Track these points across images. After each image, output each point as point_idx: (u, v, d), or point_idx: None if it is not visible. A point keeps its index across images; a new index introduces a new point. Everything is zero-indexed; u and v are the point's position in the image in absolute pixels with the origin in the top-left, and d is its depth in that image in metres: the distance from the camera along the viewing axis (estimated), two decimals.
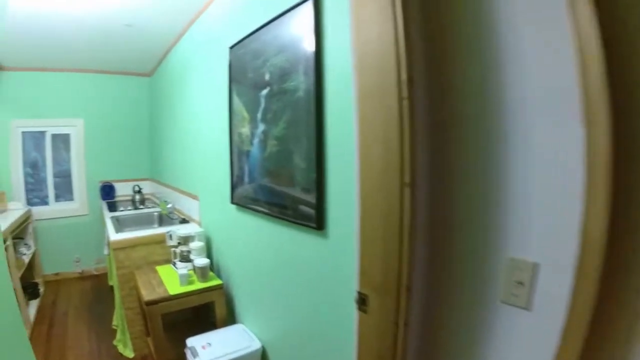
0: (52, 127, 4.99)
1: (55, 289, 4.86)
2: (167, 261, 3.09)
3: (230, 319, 2.80)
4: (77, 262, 5.23)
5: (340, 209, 1.48)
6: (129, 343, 3.16)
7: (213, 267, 2.91)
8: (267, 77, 1.91)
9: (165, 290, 2.59)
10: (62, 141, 5.13)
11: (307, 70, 1.58)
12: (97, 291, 4.74)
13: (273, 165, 1.91)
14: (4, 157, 4.78)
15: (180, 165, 3.81)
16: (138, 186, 4.90)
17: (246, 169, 2.20)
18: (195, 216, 3.36)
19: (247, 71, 2.14)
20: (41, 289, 4.68)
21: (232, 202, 2.45)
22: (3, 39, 3.74)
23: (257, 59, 2.00)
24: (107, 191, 5.20)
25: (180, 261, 2.90)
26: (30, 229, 4.66)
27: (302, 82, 1.62)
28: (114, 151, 5.31)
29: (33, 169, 5.05)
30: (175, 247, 2.96)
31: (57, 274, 5.16)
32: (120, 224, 3.69)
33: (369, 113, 1.10)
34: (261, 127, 1.97)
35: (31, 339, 3.54)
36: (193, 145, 3.33)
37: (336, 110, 1.47)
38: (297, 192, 1.71)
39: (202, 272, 2.67)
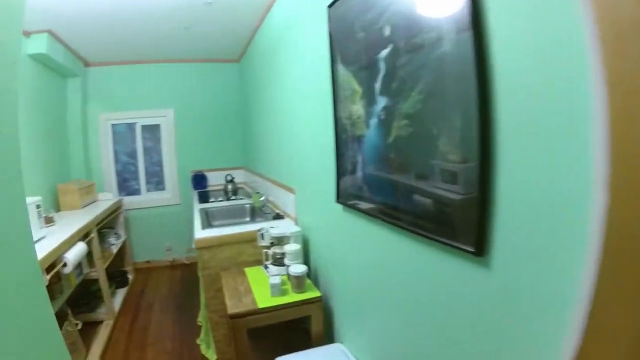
0: (141, 118, 5.07)
1: (144, 277, 4.91)
2: (258, 262, 2.72)
3: (328, 336, 2.37)
4: (168, 250, 5.27)
5: (523, 228, 0.90)
6: (212, 345, 2.90)
7: (310, 274, 2.47)
8: (386, 31, 1.38)
9: (253, 301, 2.20)
10: (152, 132, 5.18)
11: (456, 11, 1.02)
12: (186, 281, 4.67)
13: (401, 155, 1.37)
14: (95, 150, 4.92)
15: (273, 154, 3.42)
16: (230, 175, 4.63)
17: (359, 159, 1.69)
18: (291, 211, 2.95)
19: (355, 30, 1.63)
20: (130, 277, 4.74)
21: (338, 201, 1.96)
22: (87, 36, 3.82)
23: (369, 11, 1.49)
24: (199, 180, 5.03)
25: (273, 264, 2.50)
26: (121, 219, 4.72)
27: (448, 30, 1.06)
28: (206, 140, 5.22)
29: (124, 160, 5.17)
30: (268, 248, 2.57)
31: (148, 262, 5.27)
32: (209, 218, 3.40)
33: None
34: (381, 102, 1.46)
35: (113, 330, 3.54)
36: (287, 131, 2.91)
37: (515, 70, 0.89)
38: (441, 197, 1.16)
39: (297, 282, 2.24)
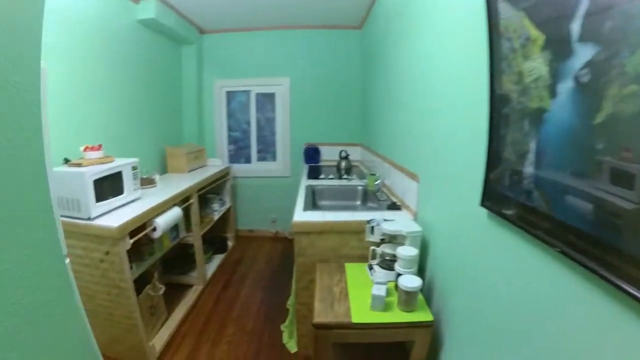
0: (256, 86, 4.87)
1: (244, 246, 4.81)
2: (363, 258, 2.25)
3: None
4: (273, 222, 5.12)
5: None
6: (295, 336, 2.62)
7: (423, 289, 1.90)
8: None
9: (348, 311, 1.75)
10: (266, 100, 4.97)
11: None
12: (285, 257, 4.42)
13: (619, 146, 0.77)
14: (209, 116, 4.93)
15: (396, 131, 2.85)
16: (345, 151, 4.17)
17: (530, 147, 1.09)
18: (411, 203, 2.39)
19: None
20: (230, 244, 4.67)
21: (483, 204, 1.37)
22: (200, 2, 3.78)
23: None
24: (311, 154, 4.67)
25: (380, 266, 2.02)
26: (227, 186, 4.61)
27: None
28: (322, 112, 4.82)
29: (236, 128, 5.10)
30: (377, 245, 2.08)
31: (250, 231, 5.21)
32: (315, 196, 3.01)
33: None
34: (583, 53, 0.85)
35: (200, 296, 3.45)
36: (417, 105, 2.30)
37: None
38: None
39: (407, 298, 1.72)
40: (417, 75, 2.30)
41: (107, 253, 2.28)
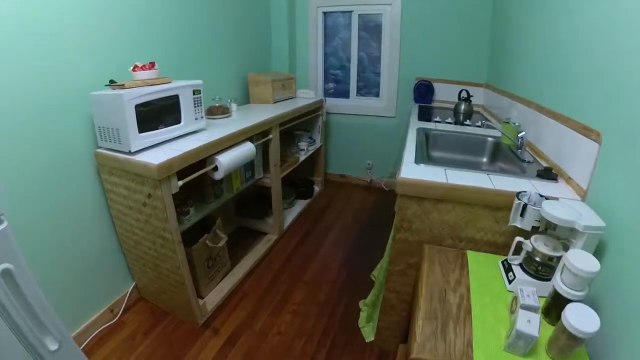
0: (360, 5, 3.93)
1: (333, 193, 4.25)
2: (494, 246, 1.55)
3: None
4: (369, 169, 4.43)
5: None
6: (375, 323, 2.11)
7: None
8: None
9: (467, 348, 1.06)
10: (371, 24, 4.04)
11: None
12: (378, 211, 3.79)
13: None
14: (302, 41, 4.19)
15: (552, 63, 1.93)
16: (466, 92, 3.30)
17: None
18: (575, 173, 1.55)
19: None
20: (317, 189, 4.17)
21: None
22: None
23: None
24: (423, 91, 3.80)
25: (525, 269, 1.31)
26: (319, 122, 3.95)
27: None
28: (438, 41, 3.77)
29: (334, 55, 4.32)
30: (525, 235, 1.33)
31: (342, 176, 4.61)
32: (429, 144, 2.30)
33: None
34: None
35: (272, 249, 3.05)
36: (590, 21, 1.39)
37: None
38: None
39: (569, 345, 0.99)
40: None
41: (149, 196, 1.81)
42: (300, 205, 3.70)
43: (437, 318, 1.17)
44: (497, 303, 1.22)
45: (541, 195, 1.34)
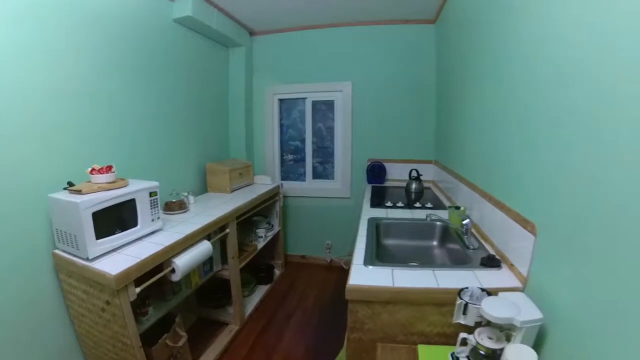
0: (313, 92, 4.21)
1: (294, 275, 4.23)
2: (444, 337, 1.59)
3: None
4: (328, 249, 4.48)
5: None
6: None
7: None
8: None
9: None
10: (325, 109, 4.31)
11: None
12: (339, 291, 3.78)
13: None
14: (258, 127, 4.38)
15: (488, 150, 2.12)
16: (416, 171, 3.48)
17: None
18: (519, 262, 1.65)
19: None
20: (277, 272, 4.15)
21: None
22: (251, 1, 3.33)
23: None
24: (376, 172, 3.97)
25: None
26: (277, 207, 4.01)
27: None
28: (389, 122, 4.08)
29: (290, 140, 4.50)
30: (469, 331, 1.39)
31: (303, 257, 4.63)
32: (380, 235, 2.38)
33: None
34: None
35: (234, 340, 2.98)
36: (537, 115, 1.51)
37: None
38: None
39: None
40: (521, 72, 1.58)
41: (108, 303, 1.79)
42: (261, 291, 3.65)
43: None
44: None
45: (483, 290, 1.42)
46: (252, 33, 4.16)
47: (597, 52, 1.09)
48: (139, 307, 2.02)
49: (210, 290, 3.15)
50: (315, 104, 4.30)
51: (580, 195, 1.17)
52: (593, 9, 1.12)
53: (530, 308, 1.29)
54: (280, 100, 4.34)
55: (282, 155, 4.49)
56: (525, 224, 1.58)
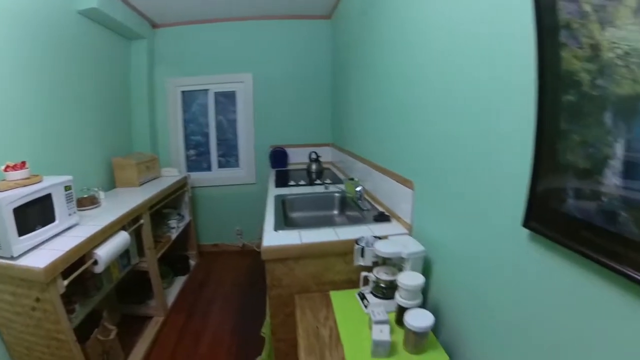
0: (215, 84, 4.36)
1: (209, 264, 4.36)
2: (351, 283, 1.89)
3: None
4: (239, 234, 4.67)
5: None
6: None
7: None
8: None
9: None
10: (227, 100, 4.47)
11: None
12: (255, 273, 4.05)
13: None
14: (162, 119, 4.37)
15: (377, 130, 2.50)
16: (315, 153, 3.81)
17: (616, 151, 0.73)
18: (403, 213, 2.04)
19: None
20: (193, 262, 4.23)
21: (527, 225, 1.00)
22: None
23: None
24: (278, 157, 4.26)
25: (374, 294, 1.66)
26: (186, 198, 4.12)
27: None
28: (288, 111, 4.40)
29: (194, 131, 4.57)
30: (368, 270, 1.71)
31: (215, 245, 4.75)
32: (286, 208, 2.65)
33: None
34: None
35: (161, 330, 3.03)
36: (410, 99, 1.91)
37: None
38: None
39: (417, 339, 1.37)
40: (416, 63, 1.92)
41: (38, 300, 1.83)
42: (179, 282, 3.75)
43: (315, 350, 1.46)
44: (360, 325, 1.56)
45: (375, 237, 1.75)
46: (154, 25, 4.16)
47: (433, 62, 1.50)
48: (65, 305, 2.01)
49: (130, 287, 3.19)
50: (217, 96, 4.44)
51: (438, 154, 1.56)
52: (434, 32, 1.53)
53: (414, 245, 1.65)
54: (183, 92, 4.39)
55: (186, 147, 4.56)
56: (405, 182, 1.95)
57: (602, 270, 0.79)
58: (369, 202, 2.49)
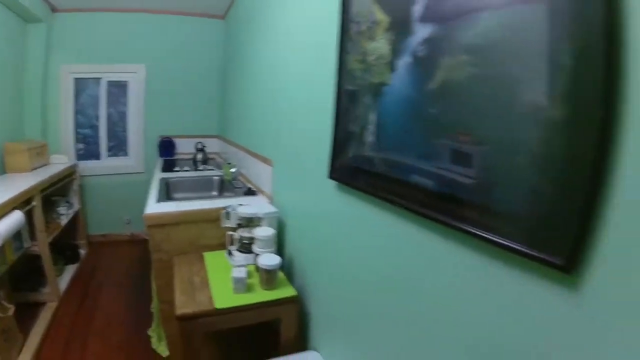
0: (108, 73, 4.39)
1: (99, 253, 4.34)
2: (223, 247, 2.21)
3: (301, 342, 1.92)
4: (128, 224, 4.71)
5: None
6: (164, 341, 2.45)
7: (284, 267, 1.98)
8: None
9: (210, 299, 1.71)
10: (119, 89, 4.51)
11: None
12: (145, 259, 4.03)
13: (449, 109, 0.88)
14: (53, 105, 4.24)
15: (251, 120, 2.92)
16: (201, 143, 4.08)
17: (372, 119, 1.19)
18: (266, 188, 2.45)
19: None
20: (82, 252, 4.17)
21: (332, 177, 1.46)
22: None
23: None
24: (166, 147, 4.45)
25: (239, 250, 2.01)
26: (74, 186, 4.10)
27: None
28: (178, 103, 4.60)
29: (85, 119, 4.51)
30: (234, 230, 2.07)
31: (104, 235, 4.70)
32: (169, 189, 2.89)
33: None
34: (421, 31, 0.96)
35: (56, 314, 3.04)
36: (271, 91, 2.39)
37: None
38: (519, 177, 0.71)
39: (268, 277, 1.77)
40: (274, 63, 2.35)
41: None
42: (70, 270, 3.74)
43: (188, 291, 1.78)
44: (226, 275, 1.87)
45: (241, 205, 2.12)
46: (54, 9, 4.04)
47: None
48: None
49: (21, 276, 3.18)
50: (108, 86, 4.45)
51: (286, 136, 2.02)
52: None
53: (269, 208, 2.05)
54: (76, 80, 4.33)
55: (76, 134, 4.47)
56: (266, 161, 2.38)
57: (374, 200, 1.23)
58: (242, 182, 2.87)
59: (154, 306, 2.64)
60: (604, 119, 0.57)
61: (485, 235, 0.77)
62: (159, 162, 4.10)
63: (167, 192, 2.75)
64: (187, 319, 1.63)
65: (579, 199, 0.60)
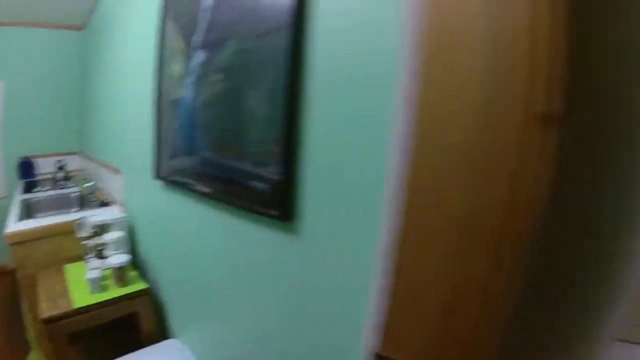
0: None
1: None
2: (83, 255, 2.33)
3: (161, 332, 2.11)
4: None
5: (327, 189, 0.86)
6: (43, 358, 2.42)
7: (138, 266, 2.20)
8: None
9: (69, 301, 1.87)
10: None
11: None
12: (15, 291, 3.86)
13: (212, 115, 1.20)
14: None
15: (102, 132, 3.07)
16: (61, 161, 4.03)
17: (175, 126, 1.47)
18: (119, 197, 2.61)
19: None
20: None
21: (158, 178, 1.71)
22: None
23: None
24: (26, 168, 4.29)
25: (95, 257, 2.17)
26: None
27: None
28: (39, 120, 4.38)
29: None
30: (90, 238, 2.21)
31: None
32: (30, 210, 2.92)
33: None
34: (200, 56, 1.25)
35: None
36: (114, 105, 2.60)
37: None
38: (248, 161, 1.05)
39: (119, 274, 1.97)
40: (115, 78, 2.54)
41: None
42: None
43: (50, 299, 1.89)
44: (85, 282, 2.03)
45: (92, 215, 2.27)
46: None
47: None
48: None
49: None
50: None
51: (128, 145, 2.23)
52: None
53: (118, 214, 2.24)
54: None
55: None
56: (116, 171, 2.55)
57: (185, 192, 1.51)
58: (96, 196, 2.97)
59: (29, 331, 2.64)
60: (287, 115, 0.89)
61: (243, 205, 1.09)
62: (20, 185, 3.98)
63: (27, 213, 2.78)
64: (51, 322, 1.77)
65: (281, 171, 0.92)
